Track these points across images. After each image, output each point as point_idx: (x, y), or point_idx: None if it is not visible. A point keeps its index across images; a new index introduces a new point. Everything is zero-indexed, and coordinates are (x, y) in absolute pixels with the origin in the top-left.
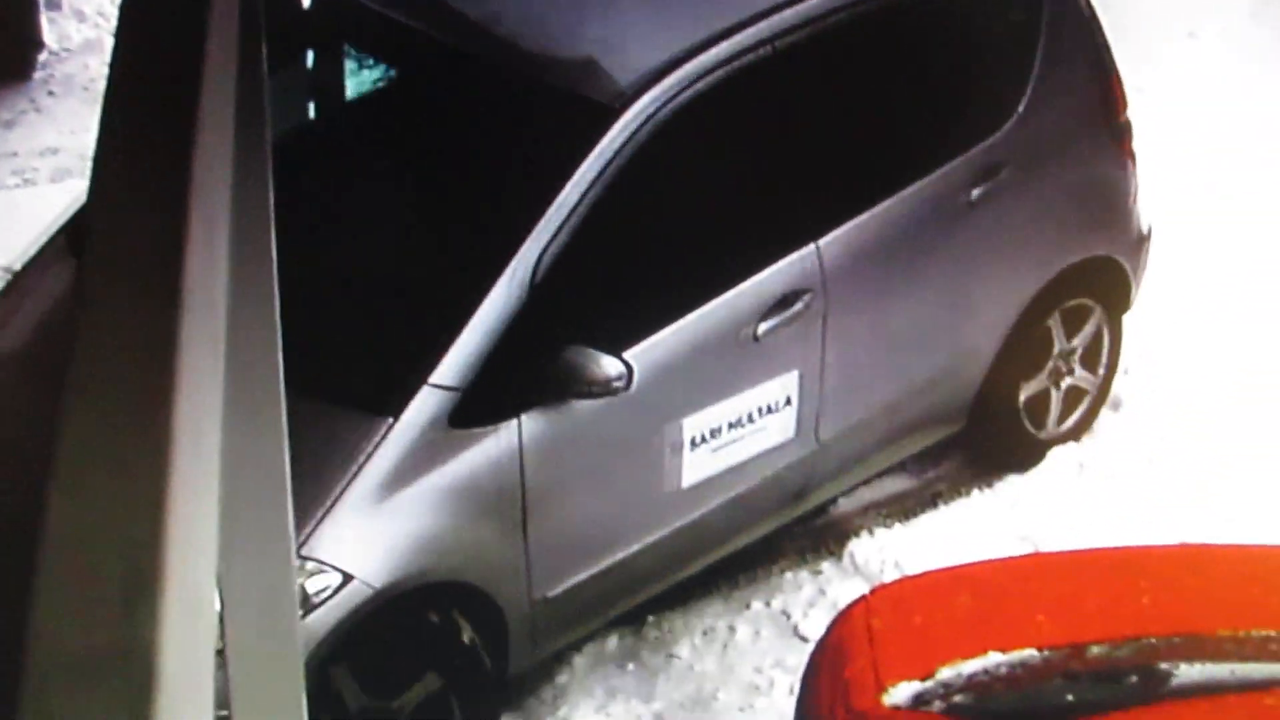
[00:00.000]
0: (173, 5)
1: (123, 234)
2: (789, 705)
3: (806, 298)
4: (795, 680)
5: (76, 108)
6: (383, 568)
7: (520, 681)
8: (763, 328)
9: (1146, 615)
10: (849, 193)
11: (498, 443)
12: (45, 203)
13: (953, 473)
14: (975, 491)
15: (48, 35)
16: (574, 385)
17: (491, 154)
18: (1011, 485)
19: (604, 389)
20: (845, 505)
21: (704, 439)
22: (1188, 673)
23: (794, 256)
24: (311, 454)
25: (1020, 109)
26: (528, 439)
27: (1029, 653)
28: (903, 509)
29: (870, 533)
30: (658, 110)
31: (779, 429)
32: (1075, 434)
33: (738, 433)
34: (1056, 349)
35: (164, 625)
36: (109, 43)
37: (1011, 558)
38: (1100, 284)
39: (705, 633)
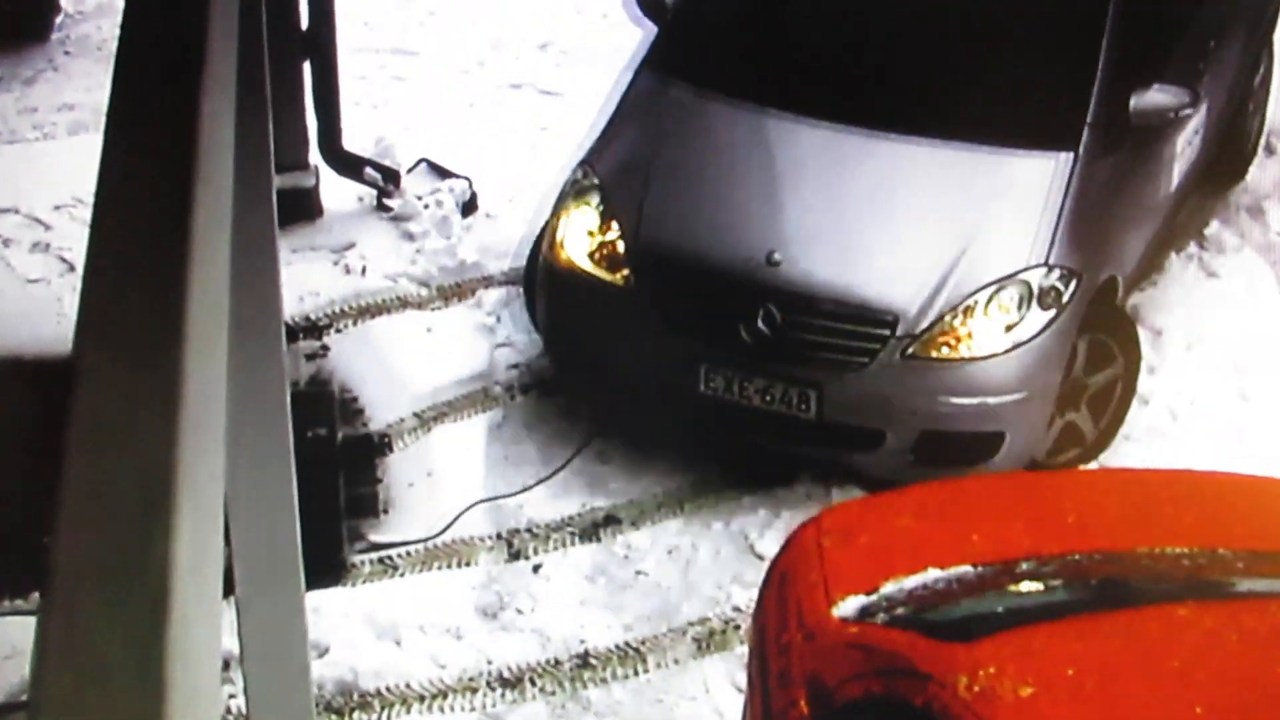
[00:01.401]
0: None
1: (134, 186)
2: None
3: None
4: (752, 595)
5: (90, 67)
6: (1096, 264)
7: (498, 595)
8: None
9: (1071, 533)
10: None
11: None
12: (63, 155)
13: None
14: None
15: None
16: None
17: None
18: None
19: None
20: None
21: None
22: (1110, 586)
23: None
24: (1008, 189)
25: None
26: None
27: (964, 569)
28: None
29: (819, 462)
30: None
31: None
32: None
33: None
34: None
35: (177, 539)
36: (121, 6)
37: (949, 481)
38: None
39: (670, 551)
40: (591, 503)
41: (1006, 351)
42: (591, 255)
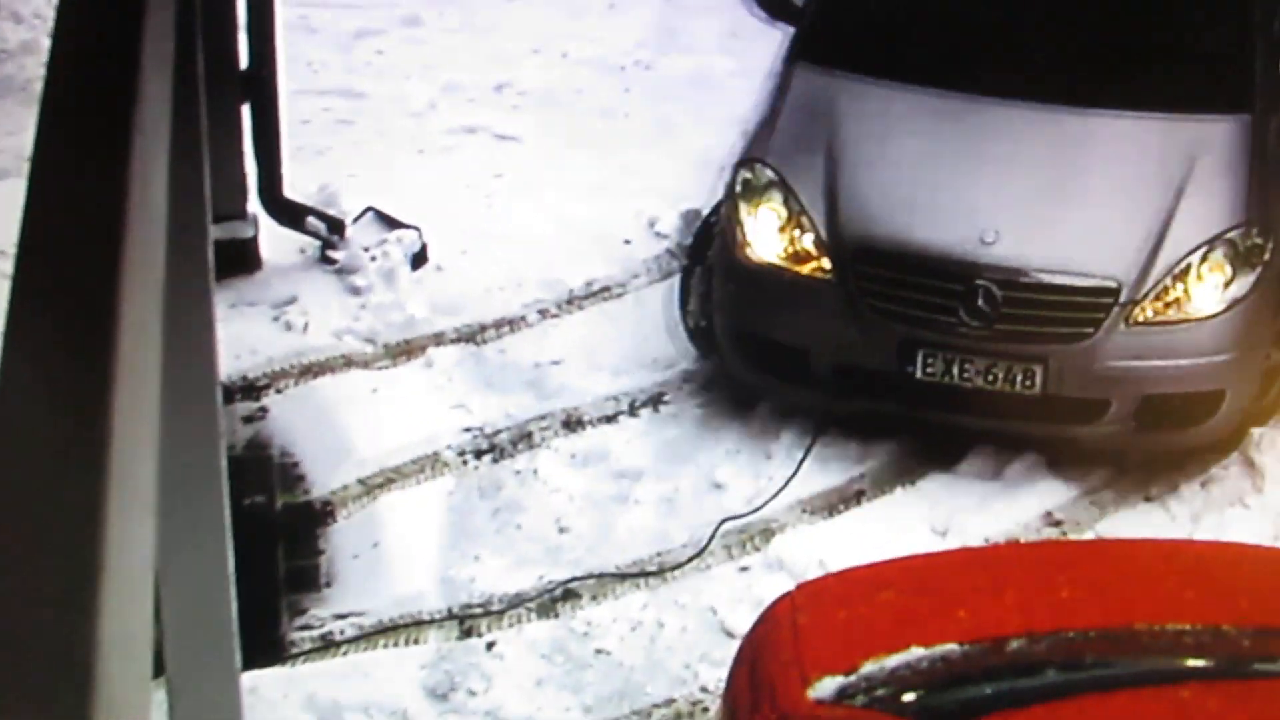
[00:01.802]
0: (108, 8)
1: (60, 235)
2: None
3: None
4: (722, 674)
5: (13, 108)
6: None
7: (448, 675)
8: None
9: (1065, 609)
10: None
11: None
12: None
13: (876, 471)
14: (898, 489)
15: None
16: None
17: None
18: (933, 483)
19: None
20: (770, 504)
21: None
22: (1106, 667)
23: None
24: (1199, 153)
25: None
26: None
27: (950, 647)
28: (827, 505)
29: (795, 530)
30: None
31: None
32: None
33: None
34: None
35: (103, 617)
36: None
37: (933, 553)
38: None
39: (633, 627)
40: (550, 575)
41: (1225, 310)
42: (786, 252)
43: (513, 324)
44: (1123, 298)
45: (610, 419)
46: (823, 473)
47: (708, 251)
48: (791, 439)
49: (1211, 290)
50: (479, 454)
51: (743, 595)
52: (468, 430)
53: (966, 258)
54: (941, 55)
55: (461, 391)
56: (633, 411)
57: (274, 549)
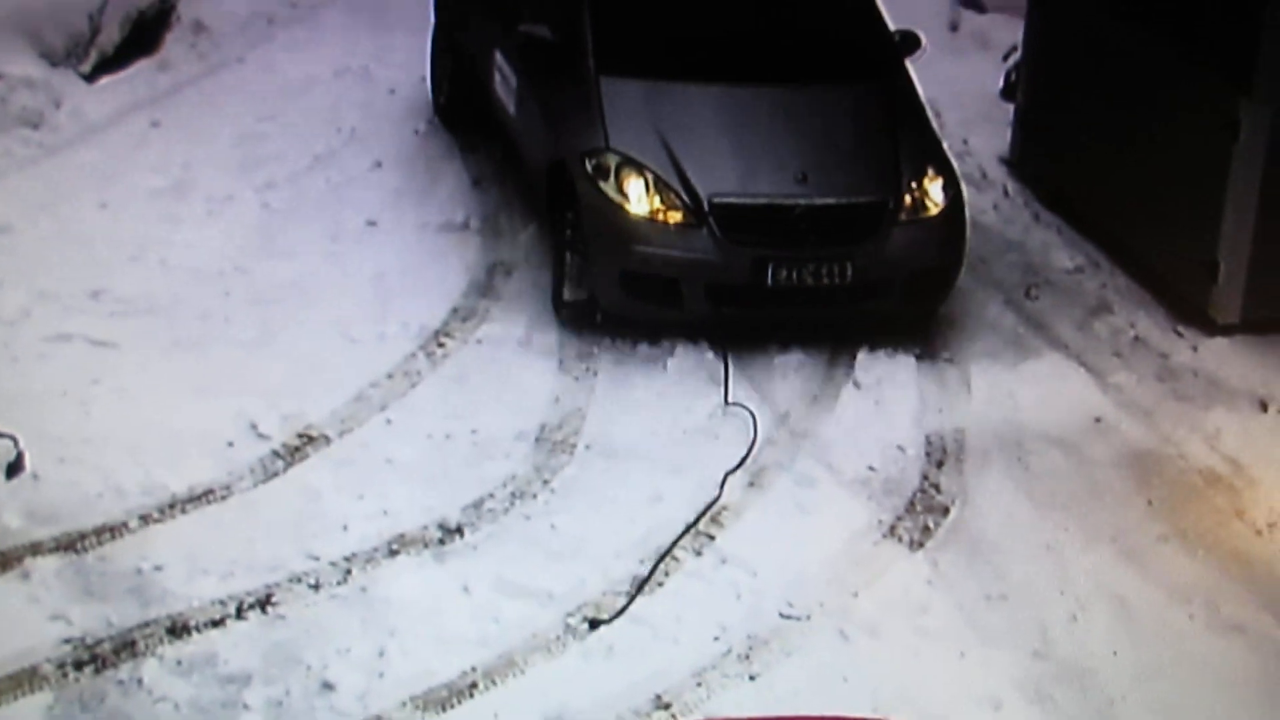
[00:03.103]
0: None
1: None
2: None
3: None
4: None
5: None
6: None
7: None
8: None
9: None
10: None
11: None
12: None
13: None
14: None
15: None
16: None
17: None
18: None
19: None
20: (383, 700)
21: None
22: None
23: None
24: (890, 103)
25: None
26: None
27: None
28: (449, 696)
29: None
30: None
31: None
32: None
33: None
34: None
35: None
36: None
37: None
38: None
39: None
40: None
41: (946, 206)
42: (655, 207)
43: (114, 530)
44: (890, 206)
45: (217, 623)
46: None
47: (574, 243)
48: (407, 627)
49: (937, 193)
50: (79, 665)
51: None
52: (67, 641)
53: (793, 194)
54: (702, 60)
55: (61, 601)
56: (240, 614)
57: None
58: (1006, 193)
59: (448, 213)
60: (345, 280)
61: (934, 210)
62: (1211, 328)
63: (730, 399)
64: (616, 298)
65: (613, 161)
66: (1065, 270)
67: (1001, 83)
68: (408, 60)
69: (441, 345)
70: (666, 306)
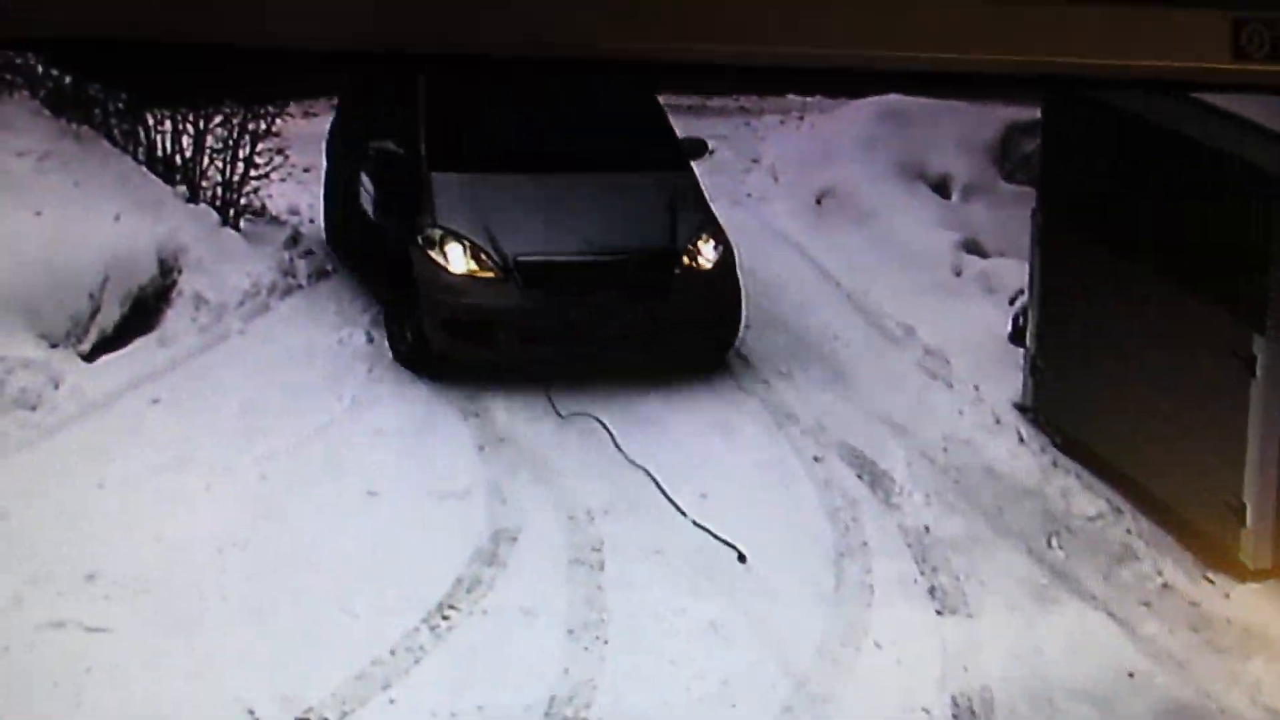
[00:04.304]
0: None
1: None
2: None
3: None
4: None
5: None
6: None
7: None
8: None
9: None
10: None
11: None
12: None
13: None
14: None
15: None
16: None
17: None
18: None
19: None
20: None
21: None
22: None
23: None
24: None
25: None
26: None
27: None
28: None
29: None
30: None
31: None
32: None
33: None
34: None
35: None
36: None
37: None
38: None
39: None
40: None
41: (715, 264)
42: (470, 268)
43: None
44: (670, 262)
45: None
46: None
47: (405, 306)
48: None
49: (710, 251)
50: None
51: None
52: None
53: (585, 251)
54: (519, 155)
55: None
56: None
57: None
58: (1022, 439)
59: (450, 480)
60: (344, 551)
61: (708, 265)
62: (1243, 573)
63: None
64: (442, 341)
65: (437, 234)
66: (1087, 517)
67: (1010, 327)
68: None
69: (446, 618)
70: (483, 347)
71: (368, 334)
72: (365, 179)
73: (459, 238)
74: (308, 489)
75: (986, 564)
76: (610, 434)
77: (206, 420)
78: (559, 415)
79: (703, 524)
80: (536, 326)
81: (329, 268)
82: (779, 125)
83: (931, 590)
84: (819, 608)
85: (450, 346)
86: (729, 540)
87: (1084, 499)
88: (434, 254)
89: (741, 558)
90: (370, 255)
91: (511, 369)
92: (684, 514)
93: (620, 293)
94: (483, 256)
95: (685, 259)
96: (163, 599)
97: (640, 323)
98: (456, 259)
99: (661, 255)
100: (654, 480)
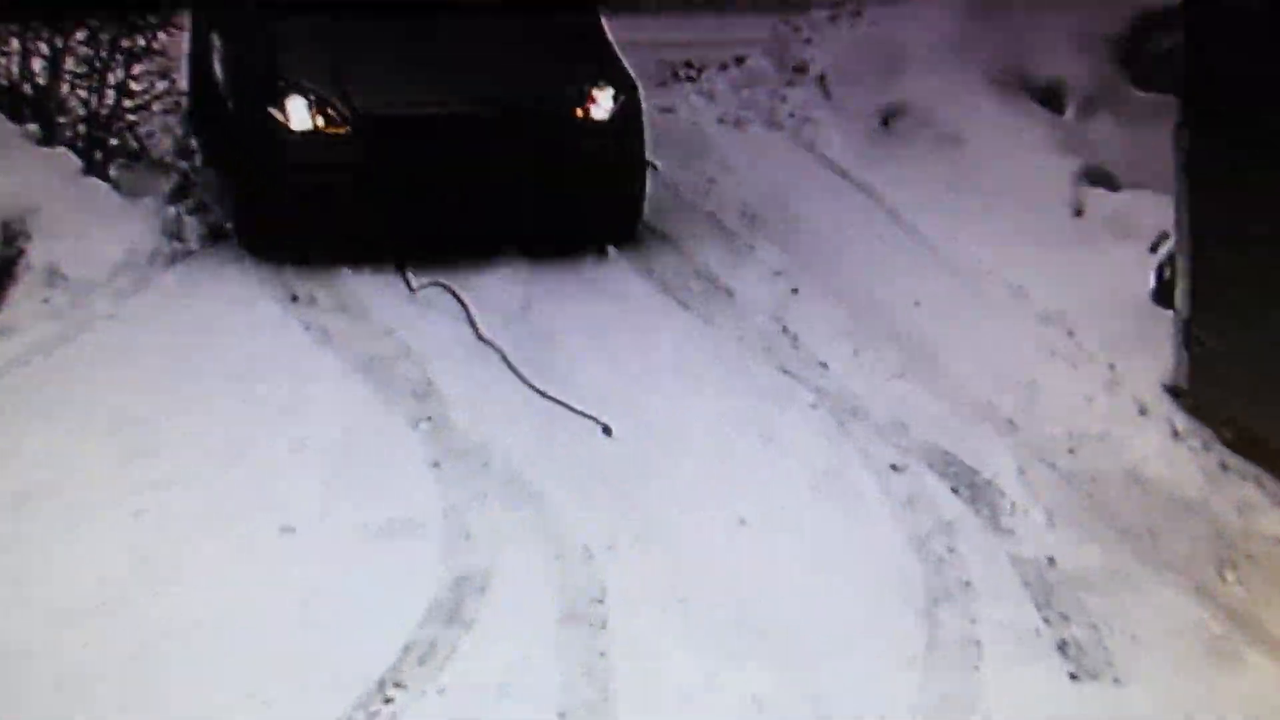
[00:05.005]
0: None
1: None
2: None
3: None
4: None
5: None
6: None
7: None
8: None
9: None
10: None
11: None
12: None
13: None
14: None
15: None
16: None
17: None
18: None
19: None
20: None
21: None
22: None
23: None
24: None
25: None
26: None
27: None
28: None
29: None
30: None
31: None
32: None
33: None
34: None
35: None
36: None
37: None
38: None
39: None
40: None
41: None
42: (316, 124)
43: None
44: (558, 113)
45: None
46: None
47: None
48: None
49: (606, 100)
50: None
51: None
52: None
53: (451, 103)
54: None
55: None
56: None
57: None
58: (1176, 433)
59: (394, 510)
60: (252, 612)
61: (602, 117)
62: None
63: None
64: (287, 211)
65: (279, 87)
66: (1274, 538)
67: (1153, 282)
68: (353, 292)
69: (389, 701)
70: (329, 217)
71: (284, 308)
72: (215, 39)
73: (302, 90)
74: (200, 528)
75: (1137, 608)
76: (608, 432)
77: (68, 439)
78: (539, 394)
79: (558, 397)
80: (386, 192)
81: (228, 224)
82: (829, 23)
83: (1061, 646)
84: (906, 675)
85: (295, 218)
86: (587, 411)
87: (1268, 515)
88: (275, 111)
89: (606, 430)
90: (221, 133)
91: (371, 251)
92: (535, 389)
93: (495, 151)
94: (329, 111)
95: (575, 110)
96: (11, 690)
97: (517, 190)
98: (299, 115)
99: (546, 106)
100: (503, 358)
